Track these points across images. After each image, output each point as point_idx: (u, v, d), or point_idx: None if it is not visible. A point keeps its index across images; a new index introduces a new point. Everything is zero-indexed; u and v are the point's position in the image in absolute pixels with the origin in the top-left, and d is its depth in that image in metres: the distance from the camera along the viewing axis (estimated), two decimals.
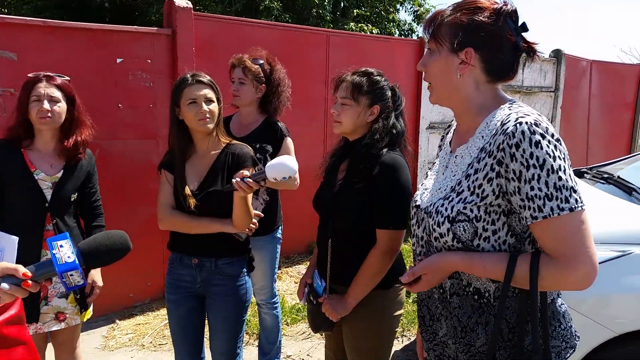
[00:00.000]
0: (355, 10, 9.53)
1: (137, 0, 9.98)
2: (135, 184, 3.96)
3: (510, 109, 1.30)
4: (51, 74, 2.37)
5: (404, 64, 5.76)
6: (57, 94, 2.36)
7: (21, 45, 3.39)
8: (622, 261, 2.17)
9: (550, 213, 1.17)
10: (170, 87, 3.95)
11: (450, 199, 1.34)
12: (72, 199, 2.42)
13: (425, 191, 1.52)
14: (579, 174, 3.52)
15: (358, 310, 2.00)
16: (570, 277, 1.19)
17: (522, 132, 1.18)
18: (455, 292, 1.40)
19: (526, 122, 1.20)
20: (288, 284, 4.65)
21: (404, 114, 2.11)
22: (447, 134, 1.62)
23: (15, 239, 1.98)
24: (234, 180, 1.99)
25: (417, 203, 1.51)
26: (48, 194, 2.32)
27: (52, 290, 2.35)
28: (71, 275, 1.33)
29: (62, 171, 2.38)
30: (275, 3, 8.61)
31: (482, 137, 1.33)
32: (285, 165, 1.93)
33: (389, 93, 2.06)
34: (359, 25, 9.19)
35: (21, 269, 1.28)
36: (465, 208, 1.29)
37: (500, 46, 1.32)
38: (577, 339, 1.42)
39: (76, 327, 2.48)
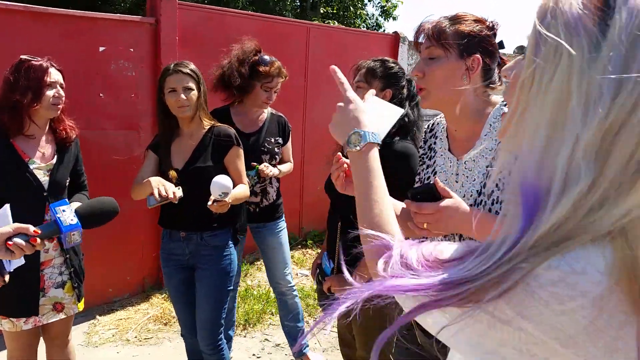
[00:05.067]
0: (322, 9, 9.55)
1: None
2: (115, 175, 3.86)
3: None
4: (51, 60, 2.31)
5: (371, 55, 5.84)
6: (61, 78, 2.31)
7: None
8: None
9: None
10: (153, 77, 3.96)
11: (483, 203, 1.41)
12: (66, 184, 2.39)
13: None
14: None
15: None
16: None
17: None
18: None
19: None
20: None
21: (419, 106, 2.17)
22: (435, 141, 1.66)
23: (6, 206, 1.89)
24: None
25: None
26: (45, 182, 2.26)
27: (49, 281, 2.29)
28: (73, 234, 1.59)
29: (55, 157, 2.32)
30: None
31: (492, 138, 1.41)
32: (220, 183, 2.20)
33: (403, 82, 2.14)
34: (326, 21, 9.23)
35: (31, 227, 1.52)
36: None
37: (494, 56, 1.45)
38: None
39: (70, 318, 2.44)
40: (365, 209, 0.95)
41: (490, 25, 1.46)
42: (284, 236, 3.04)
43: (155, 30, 3.98)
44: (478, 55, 1.42)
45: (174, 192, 2.21)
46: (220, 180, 2.21)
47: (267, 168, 2.78)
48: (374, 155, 0.98)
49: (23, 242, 1.49)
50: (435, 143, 1.67)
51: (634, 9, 0.60)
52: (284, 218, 3.08)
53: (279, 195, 3.02)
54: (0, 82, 2.24)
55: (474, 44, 1.42)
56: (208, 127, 2.49)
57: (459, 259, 0.68)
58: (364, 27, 10.59)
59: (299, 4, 10.10)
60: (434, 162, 1.65)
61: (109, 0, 10.29)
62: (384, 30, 10.71)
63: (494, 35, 1.46)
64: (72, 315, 2.41)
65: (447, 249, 0.73)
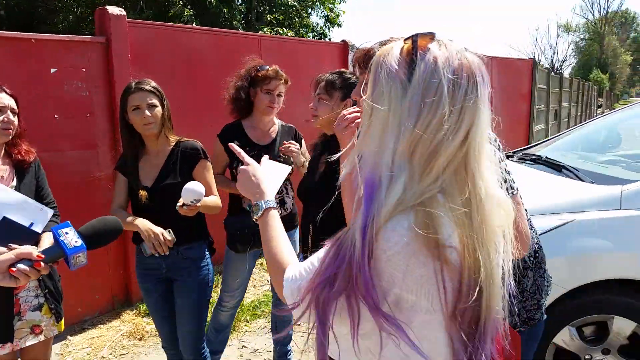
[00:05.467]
0: (268, 16, 9.63)
1: (39, 9, 9.44)
2: (75, 195, 3.82)
3: None
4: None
5: (330, 65, 5.98)
6: (13, 104, 2.31)
7: None
8: (567, 227, 2.48)
9: None
10: (107, 96, 3.95)
11: None
12: None
13: None
14: (507, 157, 3.89)
15: None
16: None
17: None
18: None
19: None
20: None
21: None
22: None
23: (50, 211, 2.17)
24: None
25: None
26: None
27: (25, 305, 2.28)
28: (78, 256, 1.54)
29: (15, 179, 2.32)
30: (187, 10, 8.56)
31: None
32: (192, 190, 2.22)
33: None
34: (275, 29, 9.31)
35: (35, 252, 1.49)
36: None
37: None
38: (551, 278, 1.77)
39: (49, 340, 2.43)
40: (269, 248, 1.22)
41: None
42: (297, 246, 3.08)
43: (107, 49, 3.97)
44: None
45: (168, 240, 2.30)
46: (193, 187, 2.23)
47: (293, 145, 2.81)
48: (272, 214, 1.28)
49: (27, 268, 1.46)
50: None
51: (428, 62, 0.93)
52: (298, 229, 3.10)
53: (295, 205, 3.04)
54: None
55: None
56: (174, 143, 2.50)
57: (327, 256, 0.97)
58: (310, 36, 10.75)
59: (243, 15, 10.16)
60: None
61: (47, 19, 10.02)
62: (330, 39, 10.88)
63: None
64: (51, 338, 2.40)
65: (317, 254, 1.03)
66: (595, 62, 49.73)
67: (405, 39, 0.98)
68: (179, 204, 2.24)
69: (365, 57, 1.61)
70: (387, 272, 0.91)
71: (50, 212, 2.20)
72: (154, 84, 2.46)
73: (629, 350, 2.56)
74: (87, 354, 3.49)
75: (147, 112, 2.36)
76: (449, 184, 0.93)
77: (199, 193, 2.24)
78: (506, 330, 1.06)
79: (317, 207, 2.18)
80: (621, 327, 2.51)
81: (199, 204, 2.26)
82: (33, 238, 2.18)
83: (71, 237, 1.55)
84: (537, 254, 1.68)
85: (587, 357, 2.57)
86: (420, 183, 0.91)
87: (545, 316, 1.76)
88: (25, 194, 2.30)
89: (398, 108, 0.94)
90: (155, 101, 2.40)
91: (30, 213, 2.19)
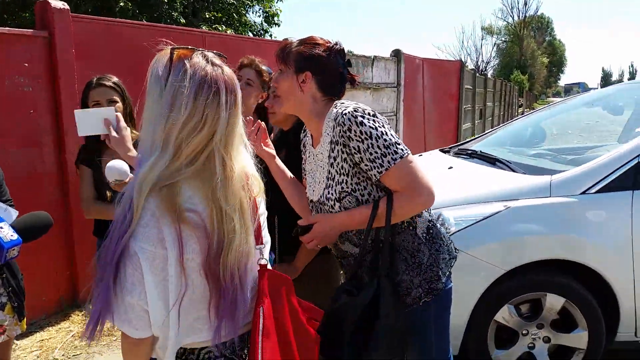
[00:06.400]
0: (207, 13, 9.56)
1: None
2: (19, 195, 3.68)
3: (336, 108, 1.77)
4: None
5: (273, 63, 6.06)
6: None
7: None
8: (502, 214, 2.73)
9: (389, 165, 1.65)
10: (51, 91, 3.86)
11: (330, 186, 1.79)
12: None
13: (309, 187, 1.95)
14: (444, 152, 4.16)
15: (304, 275, 2.26)
16: (417, 200, 1.68)
17: (349, 119, 1.66)
18: None
19: (348, 112, 1.68)
20: None
21: None
22: (305, 136, 2.05)
23: (14, 212, 2.10)
24: None
25: (310, 198, 1.94)
26: None
27: None
28: (13, 250, 1.64)
29: None
30: (130, 4, 8.39)
31: (328, 134, 1.78)
32: (115, 168, 2.09)
33: None
34: (213, 26, 9.26)
35: None
36: (342, 188, 1.75)
37: (330, 73, 1.82)
38: (456, 252, 1.93)
39: (10, 340, 2.39)
40: None
41: (330, 47, 1.80)
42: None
43: (50, 44, 3.88)
44: (309, 72, 1.77)
45: None
46: (114, 165, 2.08)
47: None
48: None
49: None
50: (306, 140, 2.03)
51: (180, 71, 1.22)
52: None
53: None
54: None
55: (304, 63, 1.77)
56: (135, 139, 2.51)
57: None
58: (249, 34, 10.75)
59: (184, 6, 10.04)
60: (307, 155, 2.01)
61: None
62: (271, 35, 10.94)
63: (335, 55, 1.79)
64: (13, 337, 2.37)
65: None
66: (516, 64, 52.50)
67: (171, 48, 1.26)
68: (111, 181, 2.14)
69: (283, 51, 1.81)
70: (142, 234, 1.17)
71: (14, 213, 2.15)
72: (115, 79, 2.48)
73: (560, 323, 2.85)
74: (37, 357, 3.41)
75: None
76: (202, 169, 1.21)
77: (122, 172, 2.09)
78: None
79: (281, 201, 2.23)
80: (553, 303, 2.79)
81: (127, 180, 2.13)
82: None
83: (6, 231, 1.63)
84: (430, 231, 1.83)
85: (524, 332, 2.84)
86: (171, 166, 1.19)
87: (450, 285, 1.88)
88: None
89: (158, 103, 1.21)
90: (116, 97, 2.43)
91: None
